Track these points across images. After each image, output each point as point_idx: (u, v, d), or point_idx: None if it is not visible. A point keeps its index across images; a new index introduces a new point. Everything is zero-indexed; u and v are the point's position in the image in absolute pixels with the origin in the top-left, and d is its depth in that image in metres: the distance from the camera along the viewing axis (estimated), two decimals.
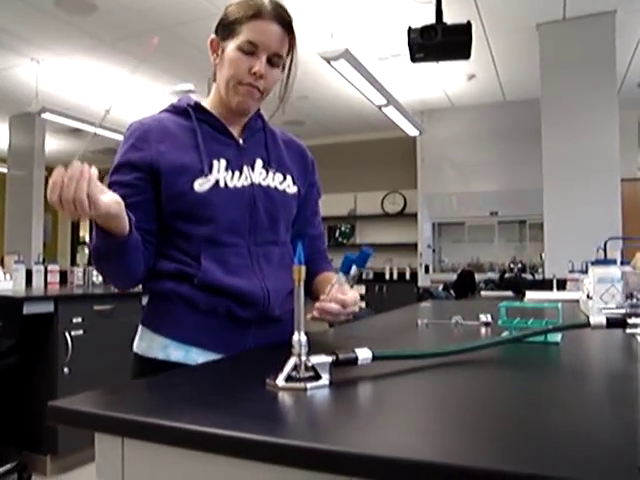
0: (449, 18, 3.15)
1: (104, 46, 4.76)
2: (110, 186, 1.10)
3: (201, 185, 1.12)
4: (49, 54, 4.94)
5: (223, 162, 1.16)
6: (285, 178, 1.25)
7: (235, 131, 1.23)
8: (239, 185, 1.16)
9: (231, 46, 1.14)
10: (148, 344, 1.14)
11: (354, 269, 1.07)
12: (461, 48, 3.16)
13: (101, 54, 4.93)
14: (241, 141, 1.22)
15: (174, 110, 1.22)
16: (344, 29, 4.29)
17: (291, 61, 1.21)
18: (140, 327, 1.18)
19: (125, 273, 1.12)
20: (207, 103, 1.24)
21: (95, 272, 4.28)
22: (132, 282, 1.16)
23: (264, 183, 1.20)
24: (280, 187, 1.23)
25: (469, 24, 3.08)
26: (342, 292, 1.08)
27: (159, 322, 1.15)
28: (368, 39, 4.62)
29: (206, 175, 1.13)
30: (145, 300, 3.89)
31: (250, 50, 1.13)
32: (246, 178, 1.18)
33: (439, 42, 3.11)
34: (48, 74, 5.32)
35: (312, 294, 1.26)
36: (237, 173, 1.17)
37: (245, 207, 1.16)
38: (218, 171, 1.15)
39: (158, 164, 1.12)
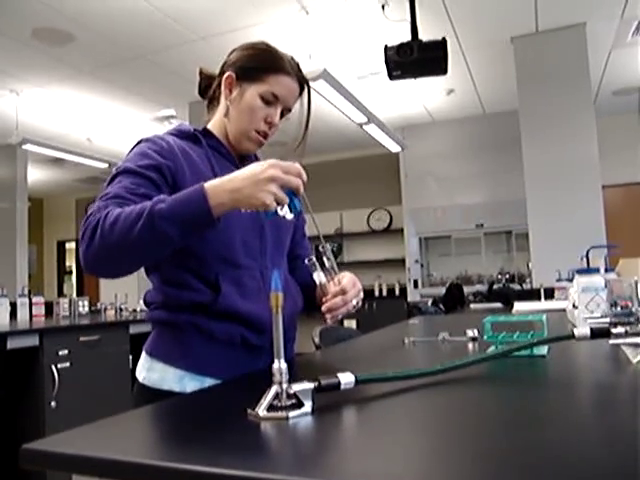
0: (424, 35, 3.20)
1: (83, 75, 4.76)
2: (123, 174, 1.07)
3: None
4: (28, 85, 4.93)
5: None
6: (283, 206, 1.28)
7: (235, 159, 1.26)
8: (249, 210, 1.18)
9: (252, 91, 1.18)
10: (161, 376, 1.11)
11: (324, 258, 1.14)
12: (438, 64, 3.20)
13: (80, 83, 4.93)
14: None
15: (180, 134, 1.22)
16: (322, 50, 4.33)
17: (308, 111, 1.26)
18: (147, 358, 1.15)
19: (156, 257, 1.04)
20: (211, 129, 1.25)
21: (81, 302, 4.22)
22: (133, 271, 1.05)
23: None
24: (281, 212, 1.26)
25: (444, 40, 3.12)
26: (337, 282, 1.14)
27: (172, 353, 1.12)
28: (346, 59, 4.67)
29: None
30: (133, 329, 3.84)
31: (270, 101, 1.18)
32: None
33: (415, 59, 3.15)
34: (28, 105, 5.31)
35: (320, 304, 1.29)
36: None
37: (256, 231, 1.19)
38: None
39: (181, 179, 1.11)
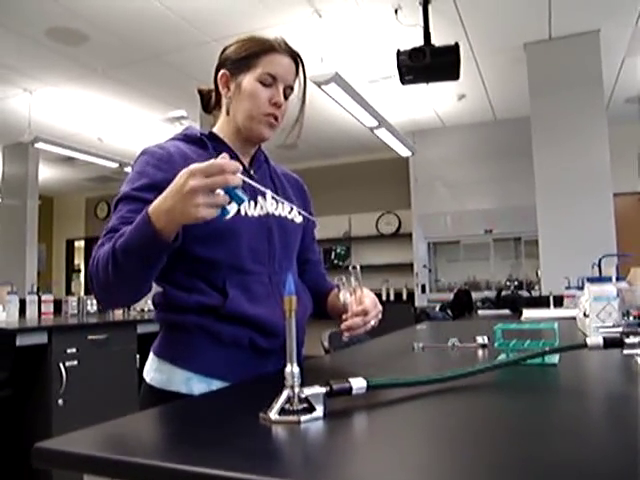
0: (437, 40, 3.20)
1: (96, 75, 4.79)
2: (122, 200, 1.08)
3: None
4: (41, 84, 4.97)
5: (241, 192, 1.16)
6: (292, 208, 1.28)
7: (245, 162, 1.25)
8: (256, 214, 1.18)
9: (248, 79, 1.18)
10: (168, 377, 1.11)
11: (352, 278, 1.16)
12: (450, 69, 3.20)
13: (93, 83, 4.97)
14: (252, 172, 1.25)
15: (186, 139, 1.23)
16: (334, 53, 4.33)
17: (304, 85, 1.26)
18: (155, 358, 1.15)
19: (144, 284, 1.02)
20: (217, 132, 1.25)
21: (89, 301, 4.24)
22: (138, 297, 1.06)
23: (276, 213, 1.24)
24: (289, 217, 1.27)
25: (457, 45, 3.12)
26: (359, 301, 1.15)
27: (180, 355, 1.12)
28: (358, 62, 4.67)
29: (229, 202, 1.12)
30: (141, 329, 3.85)
31: (269, 82, 1.18)
32: (261, 208, 1.20)
33: (428, 64, 3.15)
34: (41, 104, 5.35)
35: (331, 312, 1.33)
36: (252, 203, 1.19)
37: (264, 236, 1.19)
38: None
39: None
